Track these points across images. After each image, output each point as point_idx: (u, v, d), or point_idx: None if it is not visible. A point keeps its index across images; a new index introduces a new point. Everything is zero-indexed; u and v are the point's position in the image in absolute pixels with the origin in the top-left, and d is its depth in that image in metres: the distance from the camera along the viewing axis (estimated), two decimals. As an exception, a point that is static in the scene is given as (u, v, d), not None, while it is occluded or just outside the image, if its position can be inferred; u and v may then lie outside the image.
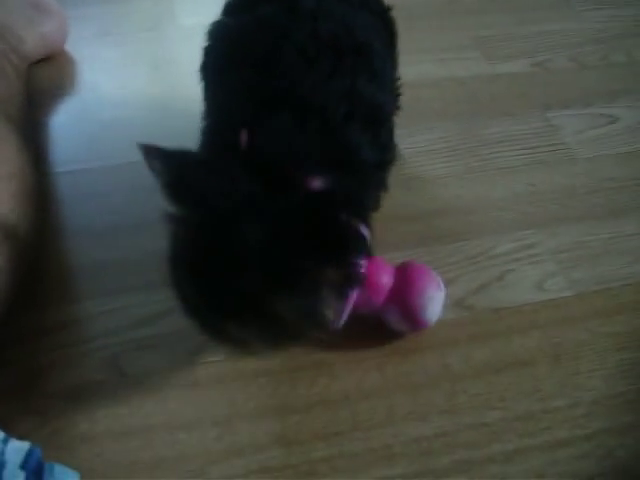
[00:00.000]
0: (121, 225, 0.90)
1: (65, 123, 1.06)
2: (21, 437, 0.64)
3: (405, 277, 0.76)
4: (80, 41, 1.20)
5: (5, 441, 0.60)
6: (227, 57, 0.74)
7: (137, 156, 0.97)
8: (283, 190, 0.59)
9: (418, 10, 1.27)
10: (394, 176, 0.77)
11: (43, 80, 1.12)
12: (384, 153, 0.72)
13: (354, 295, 0.69)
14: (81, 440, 0.70)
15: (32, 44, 1.08)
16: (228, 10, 0.80)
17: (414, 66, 1.15)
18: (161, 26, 1.24)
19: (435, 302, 0.76)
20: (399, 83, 0.85)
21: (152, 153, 0.60)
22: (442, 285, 0.77)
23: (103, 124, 1.05)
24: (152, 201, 0.88)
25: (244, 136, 0.64)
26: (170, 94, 1.10)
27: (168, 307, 0.80)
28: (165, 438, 0.70)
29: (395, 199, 0.82)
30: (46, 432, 0.70)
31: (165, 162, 0.59)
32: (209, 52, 0.77)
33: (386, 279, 0.76)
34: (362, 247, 0.66)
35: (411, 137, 1.03)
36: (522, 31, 1.30)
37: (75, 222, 0.91)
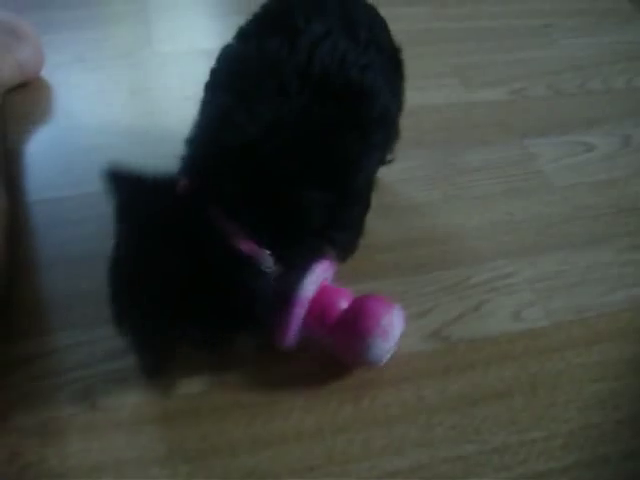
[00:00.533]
0: (96, 254, 0.88)
1: (40, 150, 1.05)
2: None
3: (354, 315, 0.74)
4: (55, 67, 1.19)
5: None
6: (222, 80, 0.75)
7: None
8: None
9: (396, 37, 1.27)
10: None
11: (18, 107, 1.11)
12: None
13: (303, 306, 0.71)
14: (51, 476, 0.69)
15: (8, 71, 1.07)
16: (241, 35, 0.80)
17: (392, 93, 1.15)
18: (137, 52, 1.23)
19: (376, 349, 0.72)
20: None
21: (109, 176, 0.68)
22: (392, 333, 0.73)
23: (78, 151, 1.04)
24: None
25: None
26: (146, 121, 1.09)
27: (141, 339, 0.80)
28: (137, 473, 0.69)
29: (371, 227, 0.81)
30: (16, 467, 0.69)
31: (116, 185, 0.68)
32: (212, 73, 0.78)
33: (342, 304, 0.74)
34: None
35: (387, 165, 1.02)
36: (500, 58, 1.31)
37: (49, 251, 0.90)
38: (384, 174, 0.97)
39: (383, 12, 1.32)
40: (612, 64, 1.34)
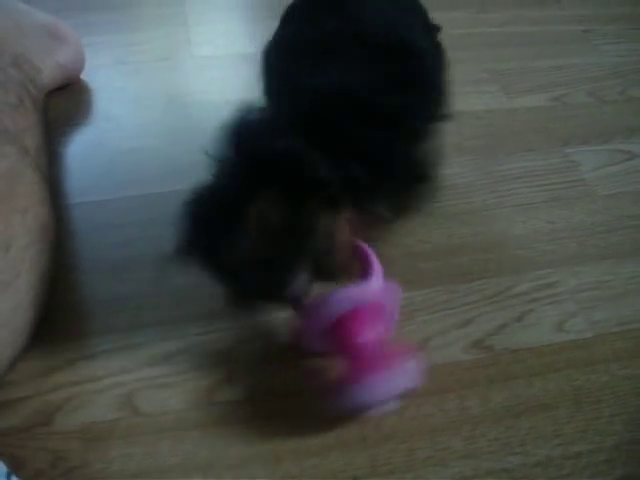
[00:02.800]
0: (136, 258, 0.89)
1: (80, 153, 1.05)
2: (34, 476, 0.63)
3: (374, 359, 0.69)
4: (96, 70, 1.20)
5: (8, 476, 0.59)
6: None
7: (152, 188, 0.97)
8: None
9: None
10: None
11: (58, 109, 1.11)
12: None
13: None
14: (95, 480, 0.69)
15: (49, 74, 1.08)
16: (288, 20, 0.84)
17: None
18: (176, 56, 1.24)
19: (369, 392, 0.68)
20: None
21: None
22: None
23: (118, 154, 1.04)
24: (168, 234, 0.88)
25: None
26: (185, 125, 1.09)
27: (182, 345, 0.80)
28: (180, 480, 0.69)
29: (413, 236, 0.81)
30: (59, 472, 0.68)
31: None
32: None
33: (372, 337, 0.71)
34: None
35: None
36: (540, 65, 1.29)
37: (90, 255, 0.90)
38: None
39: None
40: (653, 70, 1.32)
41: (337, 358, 0.73)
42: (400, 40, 0.75)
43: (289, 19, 0.86)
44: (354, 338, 0.70)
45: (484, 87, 1.22)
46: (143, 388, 0.76)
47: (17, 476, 0.61)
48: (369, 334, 0.70)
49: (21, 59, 1.00)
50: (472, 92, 1.20)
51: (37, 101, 0.99)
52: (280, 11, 0.87)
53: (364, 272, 0.73)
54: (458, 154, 1.07)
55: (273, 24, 0.85)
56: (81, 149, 1.06)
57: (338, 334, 0.71)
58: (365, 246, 0.74)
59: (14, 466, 0.62)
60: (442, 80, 0.82)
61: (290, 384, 0.77)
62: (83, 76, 1.18)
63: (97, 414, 0.74)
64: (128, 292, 0.85)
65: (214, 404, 0.75)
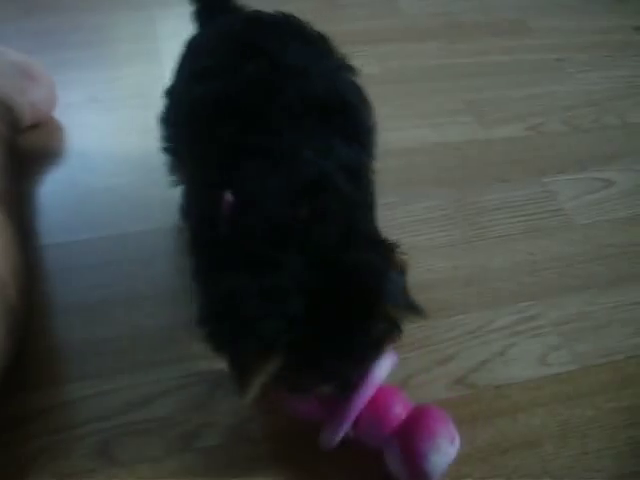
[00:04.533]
0: (112, 300, 0.87)
1: (52, 192, 1.03)
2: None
3: (418, 417, 0.70)
4: (68, 107, 1.18)
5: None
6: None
7: (127, 227, 0.96)
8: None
9: (411, 73, 1.27)
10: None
11: (30, 148, 1.10)
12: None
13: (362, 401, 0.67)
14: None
15: (22, 114, 1.06)
16: (204, 74, 0.78)
17: (408, 131, 1.15)
18: (150, 92, 1.22)
19: (441, 455, 0.67)
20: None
21: None
22: (457, 442, 0.69)
23: (92, 193, 1.02)
24: (144, 274, 0.87)
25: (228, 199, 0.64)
26: (159, 161, 1.07)
27: (160, 389, 0.78)
28: (158, 529, 0.67)
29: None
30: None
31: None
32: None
33: (399, 410, 0.70)
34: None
35: (406, 205, 1.01)
36: (514, 94, 1.30)
37: (64, 297, 0.88)
38: (403, 214, 0.96)
39: (394, 49, 1.32)
40: (627, 98, 1.33)
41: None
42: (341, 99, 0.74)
43: (198, 67, 0.82)
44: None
45: (459, 118, 1.22)
46: (119, 435, 0.74)
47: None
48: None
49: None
50: (447, 123, 1.20)
51: (8, 143, 0.97)
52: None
53: None
54: (436, 186, 1.06)
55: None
56: (53, 188, 1.04)
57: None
58: None
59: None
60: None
61: (267, 429, 0.76)
62: (55, 114, 1.17)
63: (73, 464, 0.72)
64: (103, 335, 0.83)
65: (191, 450, 0.73)
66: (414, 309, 0.64)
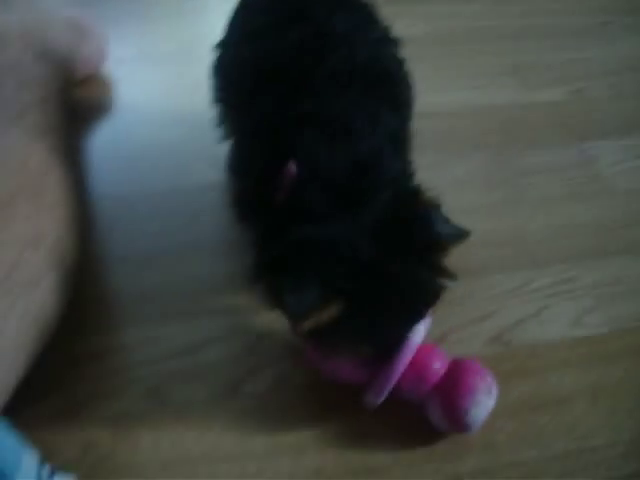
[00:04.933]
0: (162, 251, 0.90)
1: (104, 146, 1.07)
2: (64, 465, 0.65)
3: (457, 372, 0.72)
4: (119, 61, 1.21)
5: (51, 476, 0.61)
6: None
7: (176, 181, 0.98)
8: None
9: (455, 34, 1.27)
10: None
11: (81, 102, 1.13)
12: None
13: (405, 363, 0.69)
14: (123, 469, 0.70)
15: (74, 68, 1.09)
16: (254, 34, 0.81)
17: (451, 93, 1.16)
18: (199, 47, 1.24)
19: (481, 408, 0.71)
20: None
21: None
22: (494, 392, 0.72)
23: (142, 146, 1.05)
24: (192, 227, 0.89)
25: (292, 170, 0.67)
26: (209, 117, 1.10)
27: (208, 337, 0.81)
28: (206, 470, 0.71)
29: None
30: (89, 461, 0.70)
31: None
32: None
33: (438, 365, 0.72)
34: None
35: (447, 167, 1.03)
36: (558, 58, 1.30)
37: (116, 248, 0.92)
38: (443, 176, 0.97)
39: (440, 9, 1.32)
40: (673, 63, 1.32)
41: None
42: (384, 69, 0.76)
43: (249, 26, 0.85)
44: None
45: (502, 80, 1.23)
46: (170, 379, 0.78)
47: (49, 464, 0.63)
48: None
49: (48, 54, 1.01)
50: (491, 85, 1.21)
51: (63, 96, 1.00)
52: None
53: None
54: (477, 148, 1.08)
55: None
56: (105, 142, 1.07)
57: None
58: None
59: (46, 454, 0.63)
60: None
61: (311, 376, 0.78)
62: (105, 68, 1.19)
63: (127, 405, 0.75)
64: (155, 284, 0.87)
65: (238, 396, 0.77)
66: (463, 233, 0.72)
